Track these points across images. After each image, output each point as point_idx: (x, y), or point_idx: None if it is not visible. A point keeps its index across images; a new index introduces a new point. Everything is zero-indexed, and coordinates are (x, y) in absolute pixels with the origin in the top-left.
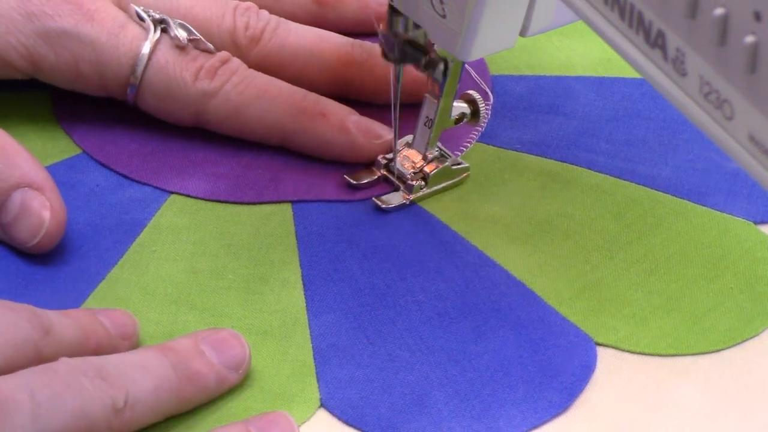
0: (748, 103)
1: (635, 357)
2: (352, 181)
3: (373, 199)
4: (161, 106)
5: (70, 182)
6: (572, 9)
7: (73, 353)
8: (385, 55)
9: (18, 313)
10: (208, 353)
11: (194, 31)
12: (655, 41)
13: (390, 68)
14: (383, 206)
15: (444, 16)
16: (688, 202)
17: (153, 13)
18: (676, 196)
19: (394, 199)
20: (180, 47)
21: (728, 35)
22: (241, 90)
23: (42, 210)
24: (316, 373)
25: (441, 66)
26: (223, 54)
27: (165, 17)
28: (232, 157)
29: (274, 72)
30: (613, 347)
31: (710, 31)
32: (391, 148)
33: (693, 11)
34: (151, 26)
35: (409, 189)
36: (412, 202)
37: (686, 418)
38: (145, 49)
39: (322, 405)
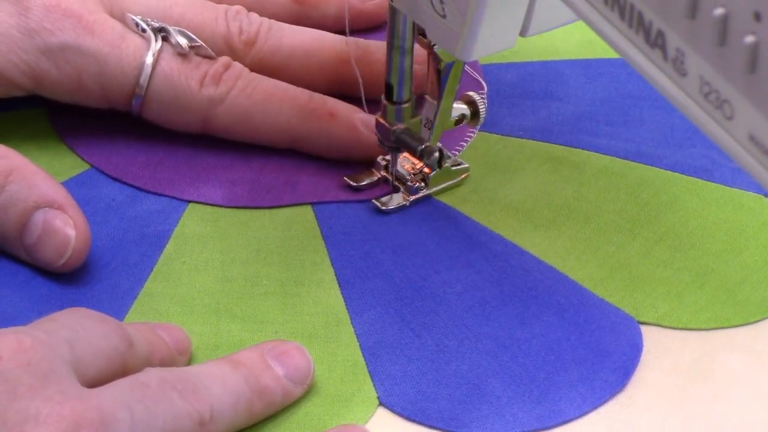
0: (748, 103)
1: (678, 332)
2: (352, 183)
3: (373, 200)
4: (167, 114)
5: (85, 198)
6: (572, 9)
7: (146, 366)
8: (381, 142)
9: (107, 325)
10: (275, 367)
11: (194, 37)
12: (655, 41)
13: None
14: (382, 208)
15: (444, 16)
16: (697, 179)
17: (152, 22)
18: (684, 174)
19: (394, 200)
20: (182, 55)
21: (728, 35)
22: (248, 94)
23: (66, 228)
24: (369, 371)
25: (436, 154)
26: (225, 59)
27: (164, 25)
28: (243, 161)
29: (270, 74)
30: (655, 324)
31: (710, 31)
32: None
33: (693, 11)
34: (152, 35)
35: (409, 190)
36: (413, 203)
37: (738, 389)
38: (149, 59)
39: (381, 403)
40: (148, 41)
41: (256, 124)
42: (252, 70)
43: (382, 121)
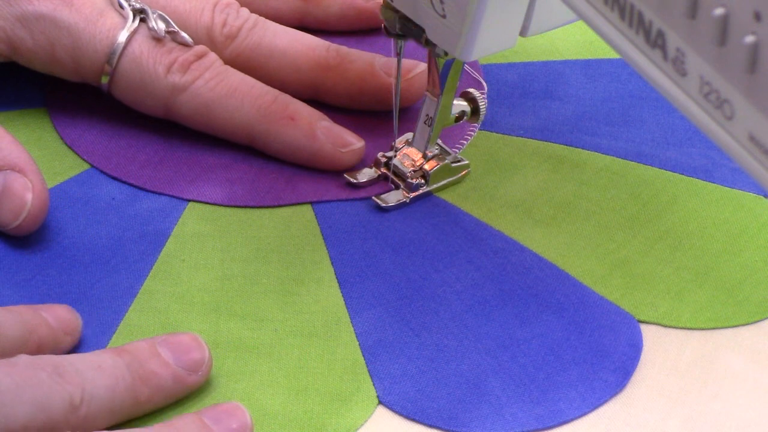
0: (748, 103)
1: (678, 332)
2: (351, 179)
3: (373, 197)
4: (133, 96)
5: (85, 198)
6: (572, 9)
7: (15, 350)
8: (386, 30)
9: None
10: (164, 355)
11: (172, 23)
12: (655, 41)
13: (363, 73)
14: (382, 205)
15: (444, 16)
16: (697, 179)
17: (134, 3)
18: (684, 175)
19: (393, 197)
20: (157, 39)
21: (728, 35)
22: (212, 87)
23: (24, 192)
24: (369, 370)
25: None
26: (200, 48)
27: (145, 7)
28: (243, 161)
29: (247, 71)
30: (654, 323)
31: (710, 31)
32: (361, 158)
33: (693, 11)
34: (130, 15)
35: (409, 187)
36: (413, 200)
37: (738, 389)
38: (122, 38)
39: (381, 402)
40: (125, 20)
41: (215, 117)
42: (229, 65)
43: (387, 7)
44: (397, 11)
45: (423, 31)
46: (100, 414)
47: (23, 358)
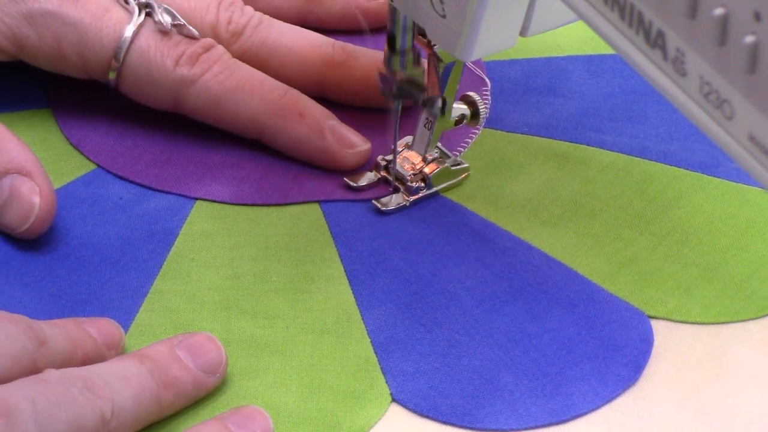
0: (748, 103)
1: (688, 327)
2: (351, 183)
3: (373, 201)
4: (141, 90)
5: (92, 198)
6: (572, 9)
7: (63, 364)
8: (383, 93)
9: (16, 326)
10: (184, 358)
11: (179, 16)
12: (655, 41)
13: (369, 70)
14: (382, 208)
15: (444, 16)
16: (702, 175)
17: None
18: (689, 170)
19: (393, 201)
20: (163, 32)
21: (728, 35)
22: (222, 80)
23: (32, 195)
24: (381, 367)
25: (439, 102)
26: (207, 41)
27: (150, 1)
28: (250, 160)
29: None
30: (664, 319)
31: (710, 31)
32: (366, 159)
33: (693, 11)
34: (136, 9)
35: (409, 190)
36: (413, 203)
37: (751, 382)
38: (128, 32)
39: (394, 399)
40: (131, 15)
41: (224, 110)
42: None
43: (384, 71)
44: (394, 74)
45: (421, 92)
46: (127, 424)
47: (53, 374)
